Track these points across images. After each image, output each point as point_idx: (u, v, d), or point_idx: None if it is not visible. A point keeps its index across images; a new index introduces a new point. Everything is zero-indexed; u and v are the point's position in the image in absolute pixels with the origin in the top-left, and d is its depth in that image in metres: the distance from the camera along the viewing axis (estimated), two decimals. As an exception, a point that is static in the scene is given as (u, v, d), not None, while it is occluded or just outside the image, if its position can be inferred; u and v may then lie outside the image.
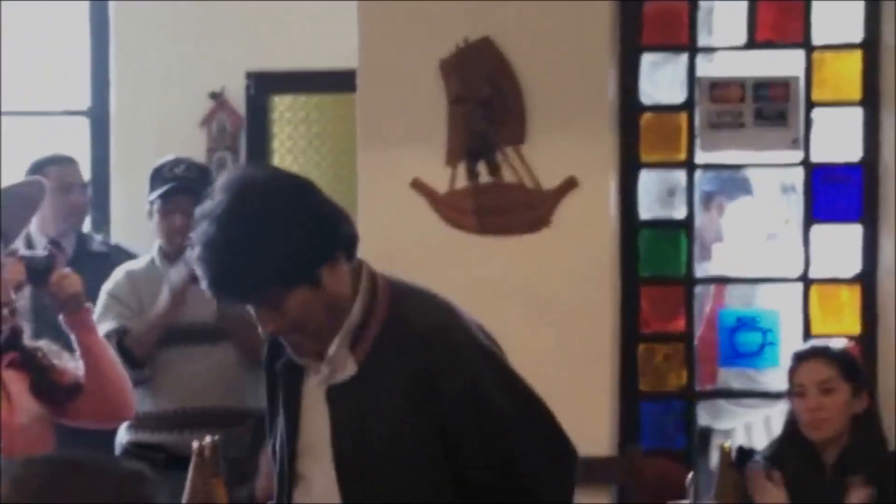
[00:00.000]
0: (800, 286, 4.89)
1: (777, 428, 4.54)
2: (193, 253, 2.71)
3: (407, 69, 4.94)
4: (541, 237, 4.89)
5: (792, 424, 4.21)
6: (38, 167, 5.13)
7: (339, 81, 5.61)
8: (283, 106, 6.75)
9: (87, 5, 6.85)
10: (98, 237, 5.76)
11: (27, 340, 3.38)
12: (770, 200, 5.28)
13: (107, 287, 4.75)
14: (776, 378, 4.79)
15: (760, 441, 4.80)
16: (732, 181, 5.33)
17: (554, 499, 2.78)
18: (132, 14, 6.72)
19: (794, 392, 4.17)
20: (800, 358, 4.23)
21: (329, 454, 2.77)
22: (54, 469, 1.78)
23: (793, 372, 4.20)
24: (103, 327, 4.35)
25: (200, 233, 2.70)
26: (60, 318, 3.48)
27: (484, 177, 4.89)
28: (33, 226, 5.19)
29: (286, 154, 6.57)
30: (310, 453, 2.83)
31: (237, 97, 6.60)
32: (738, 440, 4.99)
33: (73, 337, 3.45)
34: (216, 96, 6.51)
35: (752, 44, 4.95)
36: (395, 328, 2.78)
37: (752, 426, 5.30)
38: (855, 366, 4.21)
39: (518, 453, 2.73)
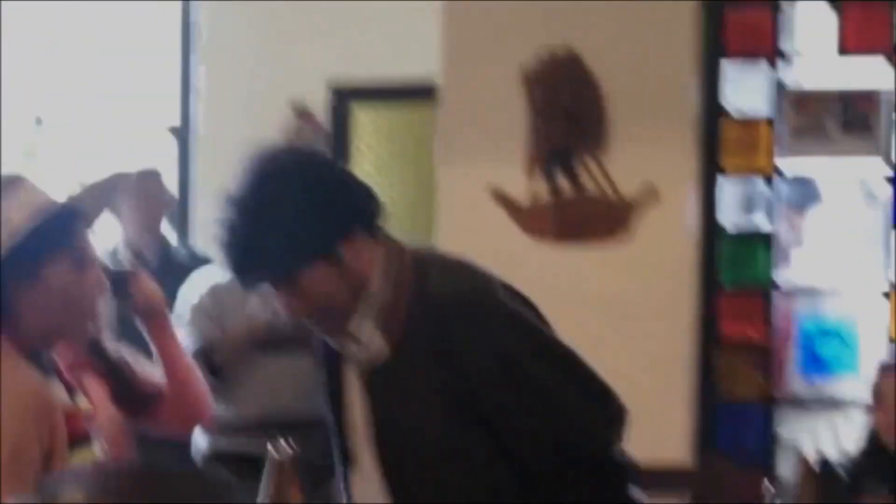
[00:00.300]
0: (880, 296, 4.85)
1: (844, 436, 4.49)
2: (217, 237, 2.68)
3: (489, 80, 4.94)
4: (621, 246, 4.85)
5: (873, 436, 4.14)
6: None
7: (421, 93, 5.60)
8: (364, 118, 6.78)
9: (178, 24, 6.97)
10: (183, 250, 5.83)
11: (110, 347, 3.42)
12: (851, 210, 5.21)
13: (191, 299, 4.81)
14: (848, 387, 4.76)
15: (828, 448, 4.75)
16: (808, 190, 5.27)
17: (606, 457, 2.64)
18: (216, 30, 6.83)
19: (877, 404, 4.10)
20: (884, 370, 4.17)
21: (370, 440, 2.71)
22: (141, 479, 1.75)
23: (876, 384, 4.14)
24: (189, 340, 4.42)
25: (220, 217, 2.67)
26: (140, 325, 3.52)
27: (564, 186, 4.87)
28: (119, 237, 5.27)
29: (369, 165, 6.61)
30: (356, 434, 2.78)
31: (319, 108, 6.66)
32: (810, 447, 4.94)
33: (151, 343, 3.49)
34: (300, 109, 6.53)
35: (838, 51, 4.92)
36: (419, 304, 2.67)
37: (819, 433, 5.24)
38: None
39: (562, 419, 2.61)
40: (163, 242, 5.52)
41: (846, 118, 4.84)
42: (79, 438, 2.87)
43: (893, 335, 4.81)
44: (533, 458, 2.63)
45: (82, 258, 2.85)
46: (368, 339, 2.68)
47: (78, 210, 2.87)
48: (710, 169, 4.92)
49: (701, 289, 4.90)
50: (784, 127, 4.89)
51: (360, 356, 2.71)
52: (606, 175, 4.88)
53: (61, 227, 2.80)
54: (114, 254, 5.17)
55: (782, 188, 4.98)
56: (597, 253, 4.88)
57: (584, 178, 4.89)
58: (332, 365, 2.81)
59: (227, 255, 2.70)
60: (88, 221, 2.89)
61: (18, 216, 2.74)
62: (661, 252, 4.83)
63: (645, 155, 4.85)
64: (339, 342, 2.75)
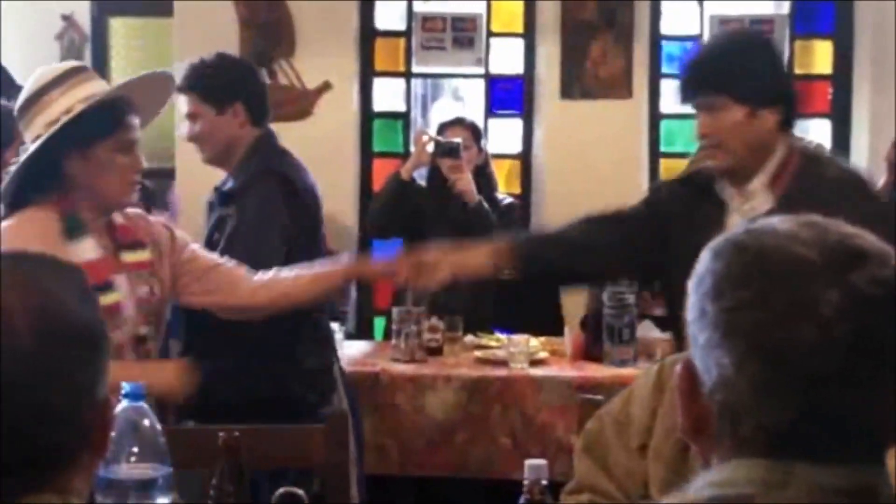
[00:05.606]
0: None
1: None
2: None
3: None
4: (303, 124, 6.36)
5: None
6: None
7: (163, 8, 6.79)
8: (116, 24, 7.86)
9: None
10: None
11: None
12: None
13: None
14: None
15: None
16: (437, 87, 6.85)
17: None
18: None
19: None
20: None
21: None
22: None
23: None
24: None
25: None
26: None
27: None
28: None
29: (123, 62, 7.62)
30: None
31: (84, 19, 7.64)
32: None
33: None
34: (67, 18, 7.56)
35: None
36: (809, 175, 2.96)
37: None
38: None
39: None
40: None
41: (457, 36, 6.43)
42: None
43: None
44: None
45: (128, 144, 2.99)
46: (758, 194, 3.01)
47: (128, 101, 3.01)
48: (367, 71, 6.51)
49: (359, 156, 6.52)
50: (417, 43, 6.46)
51: (744, 207, 3.00)
52: (295, 72, 6.38)
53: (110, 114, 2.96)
54: None
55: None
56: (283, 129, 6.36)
57: (280, 74, 6.38)
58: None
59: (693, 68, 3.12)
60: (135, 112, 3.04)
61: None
62: (333, 128, 6.37)
63: (323, 59, 6.39)
64: (729, 191, 3.06)
